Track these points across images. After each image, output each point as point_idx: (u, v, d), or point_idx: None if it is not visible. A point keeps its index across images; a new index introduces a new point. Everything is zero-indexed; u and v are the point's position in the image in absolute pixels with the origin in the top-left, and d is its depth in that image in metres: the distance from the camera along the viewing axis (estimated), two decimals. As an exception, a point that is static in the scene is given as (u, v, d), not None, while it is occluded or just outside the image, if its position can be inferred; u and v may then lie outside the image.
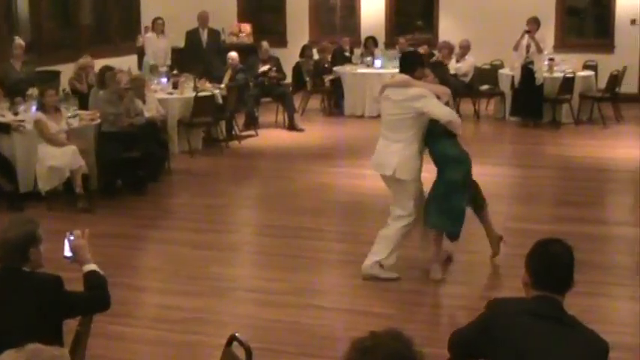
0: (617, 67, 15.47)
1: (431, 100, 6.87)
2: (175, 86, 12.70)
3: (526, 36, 14.31)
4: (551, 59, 15.03)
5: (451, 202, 7.03)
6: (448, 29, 18.09)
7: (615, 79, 15.16)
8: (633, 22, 17.53)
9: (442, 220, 7.10)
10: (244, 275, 7.57)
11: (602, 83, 15.57)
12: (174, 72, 13.39)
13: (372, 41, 17.26)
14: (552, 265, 3.59)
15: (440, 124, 6.90)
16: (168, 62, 14.67)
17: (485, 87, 15.61)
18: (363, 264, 7.12)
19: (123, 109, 10.19)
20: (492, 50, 16.09)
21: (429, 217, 7.12)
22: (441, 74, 7.40)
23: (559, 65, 15.08)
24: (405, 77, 7.04)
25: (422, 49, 16.78)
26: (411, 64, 7.18)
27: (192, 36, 14.94)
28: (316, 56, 16.87)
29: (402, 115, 6.93)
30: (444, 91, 7.04)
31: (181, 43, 15.59)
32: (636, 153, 12.37)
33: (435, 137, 7.04)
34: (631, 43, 17.51)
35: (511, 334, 3.46)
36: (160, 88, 12.77)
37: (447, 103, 6.98)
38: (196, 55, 14.63)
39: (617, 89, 15.30)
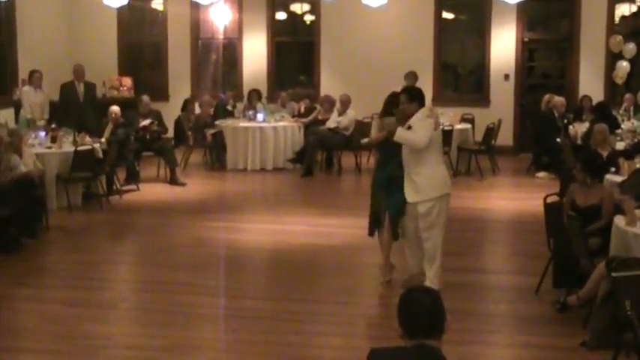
0: (493, 121, 15.92)
1: None
2: (54, 140, 12.43)
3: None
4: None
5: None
6: (329, 84, 18.34)
7: (491, 132, 15.59)
8: (507, 77, 18.14)
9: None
10: (119, 333, 7.33)
11: (479, 136, 15.99)
12: (53, 126, 13.08)
13: (255, 94, 17.25)
14: (413, 312, 3.61)
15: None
16: (46, 116, 14.30)
17: (366, 140, 15.71)
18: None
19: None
20: (373, 104, 16.24)
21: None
22: None
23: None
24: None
25: (303, 103, 16.99)
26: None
27: (67, 89, 14.56)
28: (198, 110, 16.78)
29: None
30: None
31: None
32: (511, 204, 12.72)
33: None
34: (505, 98, 18.10)
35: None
36: (37, 142, 12.43)
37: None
38: (72, 108, 14.29)
39: (493, 142, 15.73)
